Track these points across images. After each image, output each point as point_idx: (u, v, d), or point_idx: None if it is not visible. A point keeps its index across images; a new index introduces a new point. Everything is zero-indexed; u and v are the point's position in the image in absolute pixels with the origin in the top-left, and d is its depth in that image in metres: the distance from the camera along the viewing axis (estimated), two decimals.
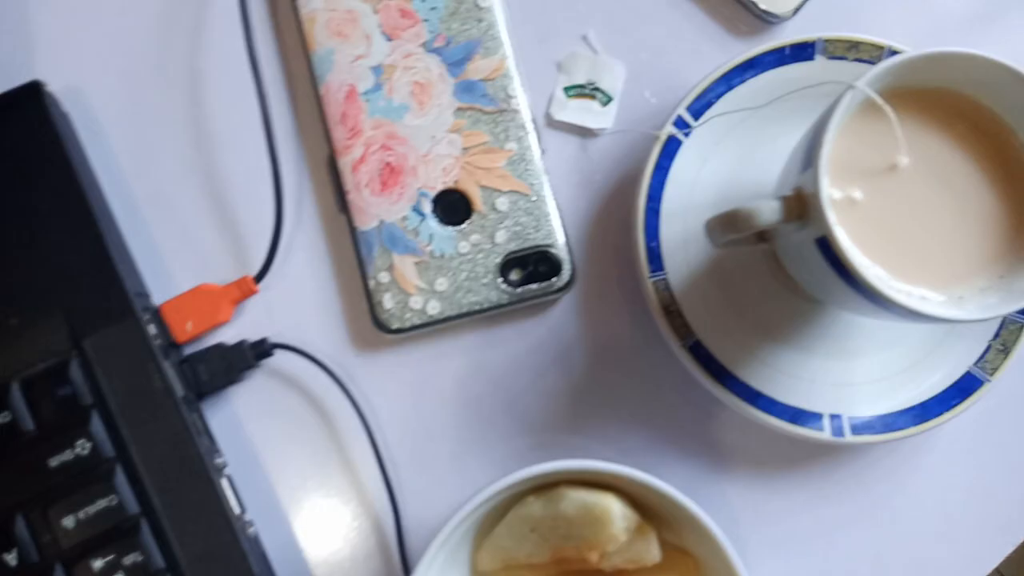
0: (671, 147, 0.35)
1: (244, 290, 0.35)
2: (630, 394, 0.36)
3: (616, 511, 0.30)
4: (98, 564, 0.31)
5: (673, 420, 0.36)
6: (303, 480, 0.35)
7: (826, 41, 0.35)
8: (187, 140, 0.37)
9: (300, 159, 0.37)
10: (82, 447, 0.31)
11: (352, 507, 0.35)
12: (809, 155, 0.28)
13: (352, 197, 0.35)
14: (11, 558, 0.31)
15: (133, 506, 0.31)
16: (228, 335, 0.35)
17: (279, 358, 0.35)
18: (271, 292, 0.36)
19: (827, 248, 0.28)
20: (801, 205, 0.29)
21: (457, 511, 0.30)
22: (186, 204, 0.36)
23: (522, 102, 0.36)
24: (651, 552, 0.31)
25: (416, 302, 0.35)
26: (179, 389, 0.32)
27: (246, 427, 0.35)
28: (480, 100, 0.36)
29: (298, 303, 0.36)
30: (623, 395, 0.36)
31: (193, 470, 0.32)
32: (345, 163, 0.36)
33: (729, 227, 0.30)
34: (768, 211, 0.29)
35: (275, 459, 0.35)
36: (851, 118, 0.29)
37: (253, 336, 0.35)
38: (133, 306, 0.32)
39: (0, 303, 0.32)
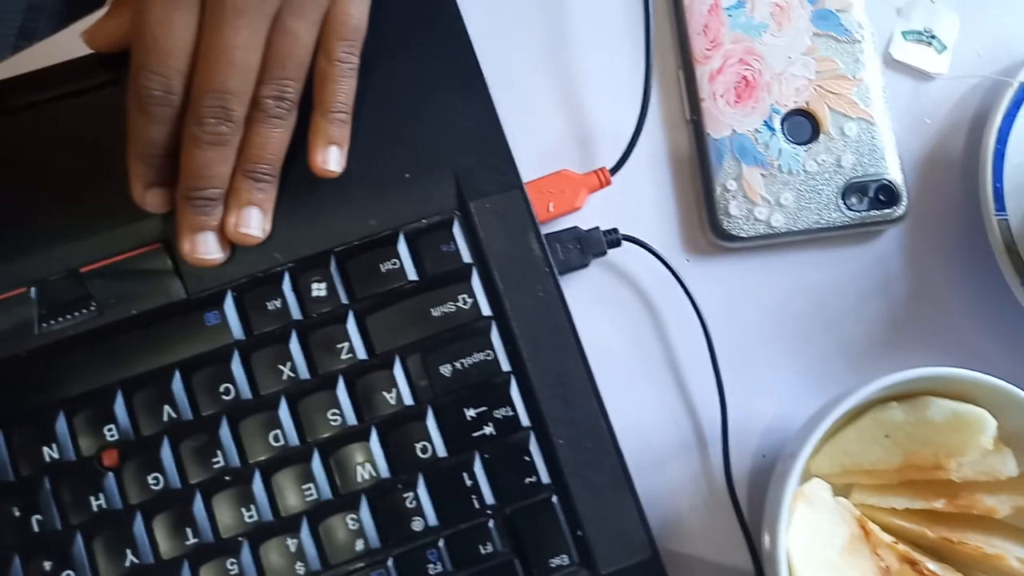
0: (1019, 96, 0.36)
1: (601, 181, 0.36)
2: (953, 330, 0.37)
3: (989, 419, 0.31)
4: (470, 413, 0.32)
5: (1003, 360, 0.37)
6: (628, 370, 0.36)
7: None
8: (540, 31, 0.38)
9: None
10: (463, 302, 0.32)
11: (673, 401, 0.36)
12: None
13: (707, 105, 0.37)
14: (390, 397, 0.32)
15: (505, 364, 0.32)
16: (572, 223, 0.36)
17: (613, 251, 0.36)
18: (610, 188, 0.37)
19: None
20: None
21: (836, 403, 0.31)
22: (533, 93, 0.37)
23: (869, 36, 0.37)
24: (1007, 466, 0.31)
25: (761, 213, 0.36)
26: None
27: (578, 313, 0.36)
28: (834, 29, 0.37)
29: (635, 202, 0.37)
30: (946, 331, 0.37)
31: (562, 338, 0.32)
32: (703, 72, 0.37)
33: None
34: None
35: (602, 347, 0.36)
36: None
37: (592, 226, 0.36)
38: (518, 177, 0.33)
39: (399, 157, 0.33)
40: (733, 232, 0.36)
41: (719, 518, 0.36)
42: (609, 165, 0.36)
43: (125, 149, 0.31)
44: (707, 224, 0.36)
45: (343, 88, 0.32)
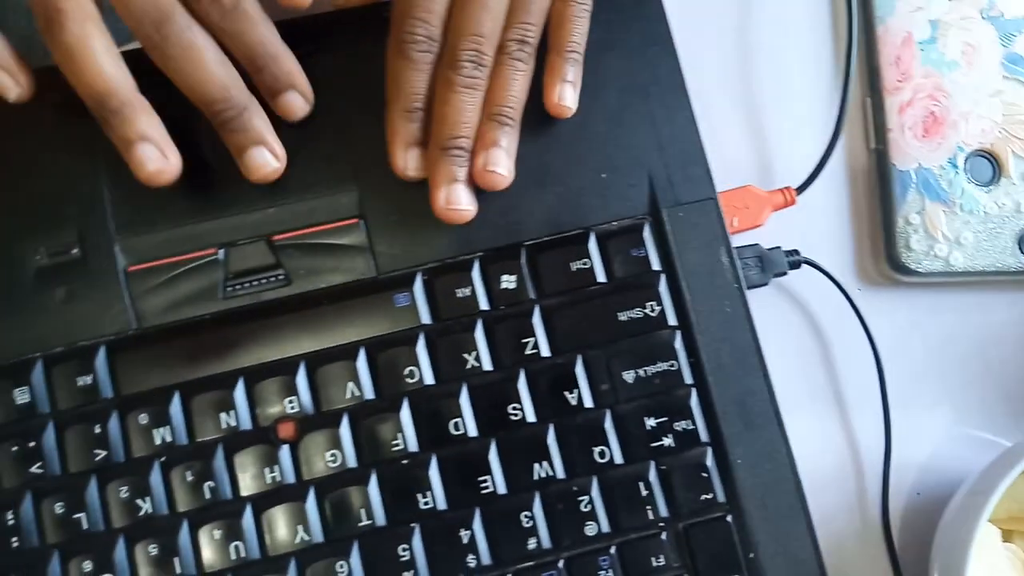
0: None
1: (786, 200, 0.35)
2: None
3: None
4: (650, 423, 0.31)
5: None
6: (790, 393, 0.35)
7: None
8: (734, 47, 0.38)
9: (835, 90, 0.38)
10: (651, 309, 0.32)
11: (832, 429, 0.36)
12: None
13: (894, 136, 0.36)
14: (571, 398, 0.31)
15: (688, 376, 0.32)
16: (750, 240, 0.36)
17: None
18: (785, 209, 0.36)
19: None
20: None
21: None
22: (718, 104, 0.37)
23: None
24: None
25: (941, 250, 0.36)
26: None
27: None
28: None
29: (811, 225, 0.37)
30: None
31: (747, 357, 0.32)
32: (892, 102, 0.37)
33: None
34: None
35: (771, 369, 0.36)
36: None
37: (773, 246, 0.36)
38: (713, 188, 0.33)
39: (597, 156, 0.33)
40: (911, 266, 0.36)
41: (869, 550, 0.35)
42: (783, 184, 0.36)
43: (385, 111, 0.31)
44: (884, 255, 0.36)
45: (578, 28, 0.32)
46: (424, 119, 0.31)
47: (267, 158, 0.31)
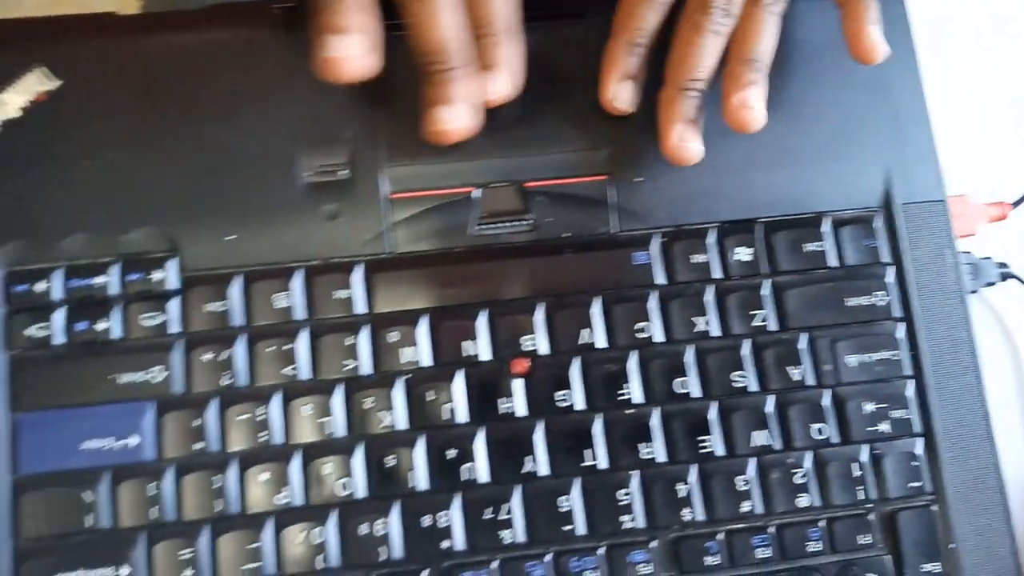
0: None
1: (1000, 213, 0.36)
2: None
3: None
4: (868, 407, 0.32)
5: None
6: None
7: None
8: (968, 55, 0.39)
9: None
10: (879, 298, 0.33)
11: (1019, 448, 0.36)
12: None
13: None
14: (795, 373, 0.32)
15: (907, 368, 0.33)
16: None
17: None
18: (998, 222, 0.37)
19: None
20: None
21: None
22: (946, 111, 0.38)
23: None
24: None
25: None
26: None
27: None
28: None
29: (1015, 241, 0.38)
30: None
31: (964, 356, 0.33)
32: None
33: None
34: None
35: None
36: None
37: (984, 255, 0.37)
38: (943, 189, 0.34)
39: (836, 144, 0.34)
40: None
41: None
42: (995, 195, 0.37)
43: (605, 46, 0.33)
44: None
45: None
46: (643, 56, 0.33)
47: (453, 117, 0.30)
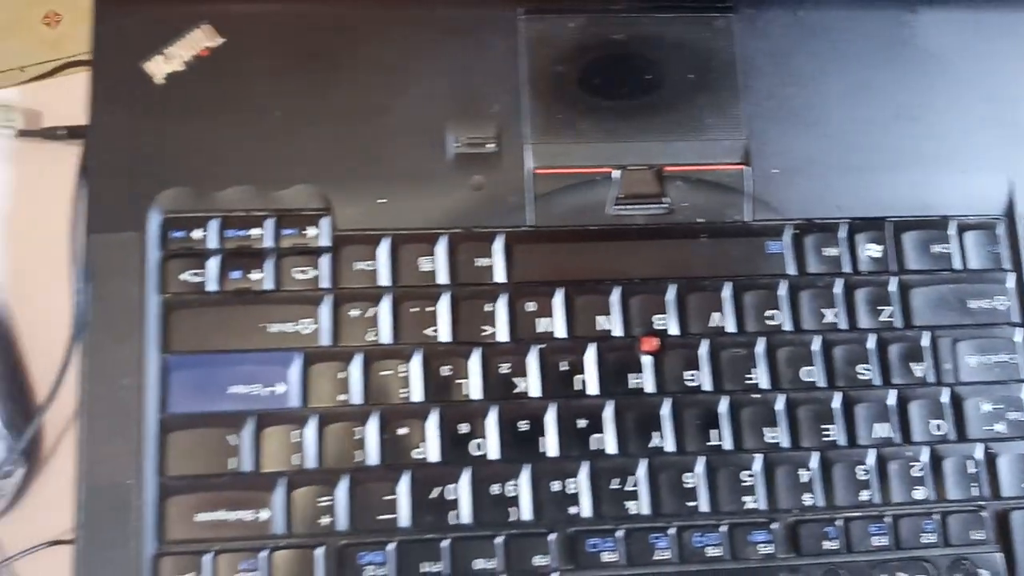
0: None
1: None
2: None
3: None
4: (985, 407, 0.33)
5: None
6: None
7: None
8: None
9: None
10: (1001, 303, 0.34)
11: None
12: None
13: None
14: (917, 369, 0.33)
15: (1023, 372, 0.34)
16: None
17: None
18: None
19: None
20: None
21: None
22: None
23: None
24: None
25: None
26: None
27: None
28: None
29: None
30: None
31: None
32: None
33: None
34: None
35: None
36: None
37: None
38: None
39: (963, 153, 0.35)
40: None
41: None
42: None
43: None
44: None
45: None
46: None
47: None
